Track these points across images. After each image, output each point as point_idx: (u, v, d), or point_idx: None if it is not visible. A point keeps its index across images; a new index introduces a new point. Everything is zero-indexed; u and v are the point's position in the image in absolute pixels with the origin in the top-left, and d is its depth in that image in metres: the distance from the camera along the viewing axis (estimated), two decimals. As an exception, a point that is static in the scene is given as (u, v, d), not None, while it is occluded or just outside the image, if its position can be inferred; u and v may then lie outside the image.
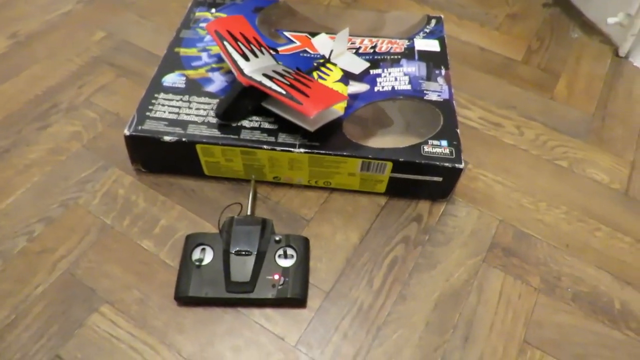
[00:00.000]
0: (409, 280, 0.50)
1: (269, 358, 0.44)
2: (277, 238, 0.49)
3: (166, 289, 0.48)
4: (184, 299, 0.46)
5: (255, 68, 0.53)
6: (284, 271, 0.47)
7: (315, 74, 0.59)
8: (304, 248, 0.49)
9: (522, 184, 0.60)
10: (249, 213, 0.52)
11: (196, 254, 0.48)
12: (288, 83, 0.51)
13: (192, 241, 0.49)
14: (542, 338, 0.47)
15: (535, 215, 0.56)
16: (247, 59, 0.54)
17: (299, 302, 0.47)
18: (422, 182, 0.54)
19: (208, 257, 0.48)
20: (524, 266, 0.52)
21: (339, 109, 0.55)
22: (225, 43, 0.55)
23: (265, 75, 0.52)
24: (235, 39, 0.56)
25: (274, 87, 0.50)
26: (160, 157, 0.55)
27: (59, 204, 0.55)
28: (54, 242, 0.51)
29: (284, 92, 0.49)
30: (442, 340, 0.46)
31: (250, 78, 0.51)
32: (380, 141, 0.53)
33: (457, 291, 0.50)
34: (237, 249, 0.47)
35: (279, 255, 0.48)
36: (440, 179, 0.53)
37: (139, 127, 0.53)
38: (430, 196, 0.57)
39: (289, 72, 0.54)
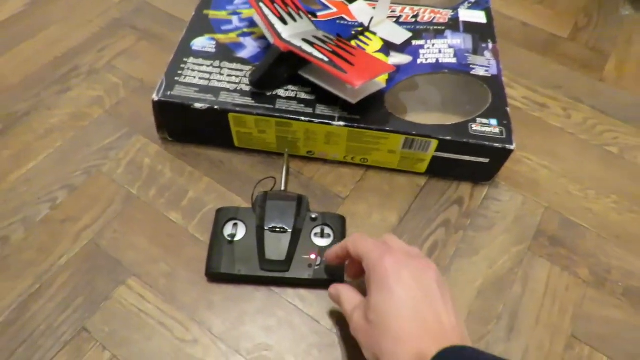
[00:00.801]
0: (450, 266, 0.48)
1: (303, 340, 0.42)
2: (313, 216, 0.46)
3: (195, 264, 0.46)
4: (215, 276, 0.44)
5: (293, 32, 0.49)
6: (321, 250, 0.44)
7: (353, 43, 0.55)
8: (341, 227, 0.46)
9: (569, 170, 0.56)
10: (282, 188, 0.49)
11: (228, 229, 0.45)
12: (330, 50, 0.47)
13: (224, 215, 0.46)
14: (590, 333, 0.44)
15: (584, 204, 0.53)
16: (284, 22, 0.50)
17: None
18: (466, 162, 0.50)
19: (240, 232, 0.45)
20: (572, 257, 0.49)
21: (381, 80, 0.51)
22: (261, 4, 0.51)
23: (305, 40, 0.48)
24: (272, 1, 0.52)
25: (316, 53, 0.46)
26: (189, 126, 0.52)
27: (82, 172, 0.52)
28: (78, 211, 0.49)
29: (326, 59, 0.45)
30: (485, 330, 0.44)
31: (289, 43, 0.47)
32: (423, 117, 0.50)
33: (500, 280, 0.47)
34: (272, 225, 0.44)
35: (315, 234, 0.45)
36: (486, 160, 0.50)
37: (168, 93, 0.49)
38: (473, 178, 0.54)
39: (330, 39, 0.50)
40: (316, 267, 0.44)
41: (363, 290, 0.37)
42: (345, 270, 0.43)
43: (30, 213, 0.48)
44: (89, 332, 0.41)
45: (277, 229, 0.44)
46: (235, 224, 0.46)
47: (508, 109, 0.51)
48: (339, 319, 0.43)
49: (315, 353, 0.42)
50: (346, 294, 0.39)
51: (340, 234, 0.46)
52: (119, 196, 0.50)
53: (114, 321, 0.42)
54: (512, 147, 0.48)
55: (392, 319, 0.32)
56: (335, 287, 0.40)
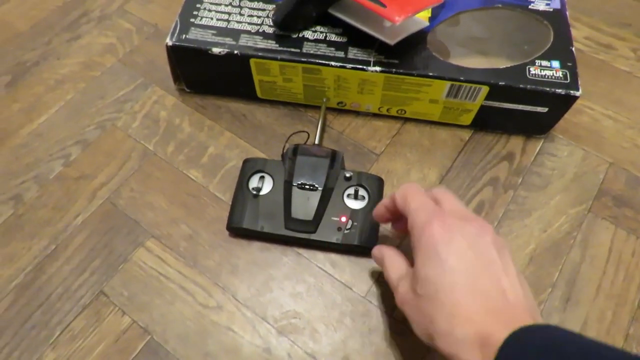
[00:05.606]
0: (498, 229, 0.43)
1: (335, 308, 0.39)
2: (347, 174, 0.41)
3: (217, 225, 0.42)
4: (236, 230, 0.41)
5: (323, -38, 0.42)
6: (353, 213, 0.40)
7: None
8: (377, 190, 0.41)
9: (638, 120, 0.49)
10: (316, 142, 0.44)
11: (254, 182, 0.41)
12: (366, -20, 0.40)
13: (250, 167, 0.42)
14: (660, 305, 0.39)
15: (655, 159, 0.46)
16: (312, -50, 0.43)
17: (367, 251, 0.40)
18: (520, 113, 0.44)
19: (267, 187, 0.41)
20: (639, 218, 0.43)
21: (423, 18, 0.44)
22: None
23: (336, -30, 0.41)
24: None
25: (349, -15, 0.40)
26: (207, 74, 0.47)
27: (96, 126, 0.48)
28: (93, 168, 0.46)
29: (361, -9, 0.39)
30: (538, 300, 0.39)
31: (318, -26, 0.41)
32: (472, 61, 0.43)
33: (556, 244, 0.42)
34: (301, 181, 0.40)
35: (348, 195, 0.41)
36: (545, 109, 0.43)
37: (183, 36, 0.44)
38: (525, 131, 0.47)
39: (365, -32, 0.43)
40: (346, 231, 0.39)
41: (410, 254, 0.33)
42: (392, 224, 0.38)
43: (43, 170, 0.45)
44: (107, 296, 0.39)
45: (307, 186, 0.40)
46: (262, 177, 0.42)
47: (573, 49, 0.43)
48: (374, 286, 0.40)
49: (347, 322, 0.38)
50: (391, 260, 0.34)
51: (376, 197, 0.41)
52: (135, 152, 0.47)
53: (133, 285, 0.39)
54: (577, 94, 0.41)
55: (445, 293, 0.27)
56: (380, 250, 0.36)
